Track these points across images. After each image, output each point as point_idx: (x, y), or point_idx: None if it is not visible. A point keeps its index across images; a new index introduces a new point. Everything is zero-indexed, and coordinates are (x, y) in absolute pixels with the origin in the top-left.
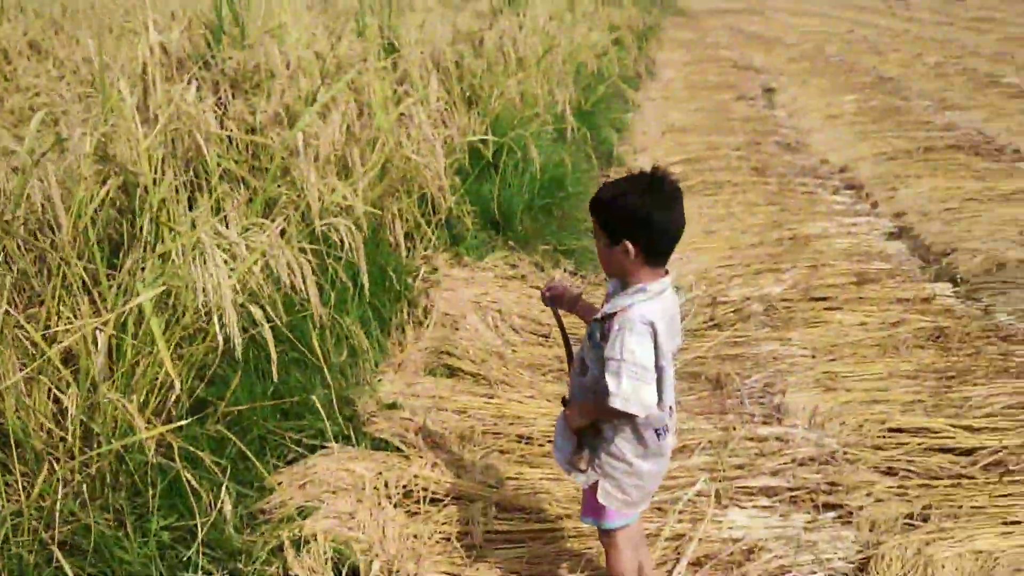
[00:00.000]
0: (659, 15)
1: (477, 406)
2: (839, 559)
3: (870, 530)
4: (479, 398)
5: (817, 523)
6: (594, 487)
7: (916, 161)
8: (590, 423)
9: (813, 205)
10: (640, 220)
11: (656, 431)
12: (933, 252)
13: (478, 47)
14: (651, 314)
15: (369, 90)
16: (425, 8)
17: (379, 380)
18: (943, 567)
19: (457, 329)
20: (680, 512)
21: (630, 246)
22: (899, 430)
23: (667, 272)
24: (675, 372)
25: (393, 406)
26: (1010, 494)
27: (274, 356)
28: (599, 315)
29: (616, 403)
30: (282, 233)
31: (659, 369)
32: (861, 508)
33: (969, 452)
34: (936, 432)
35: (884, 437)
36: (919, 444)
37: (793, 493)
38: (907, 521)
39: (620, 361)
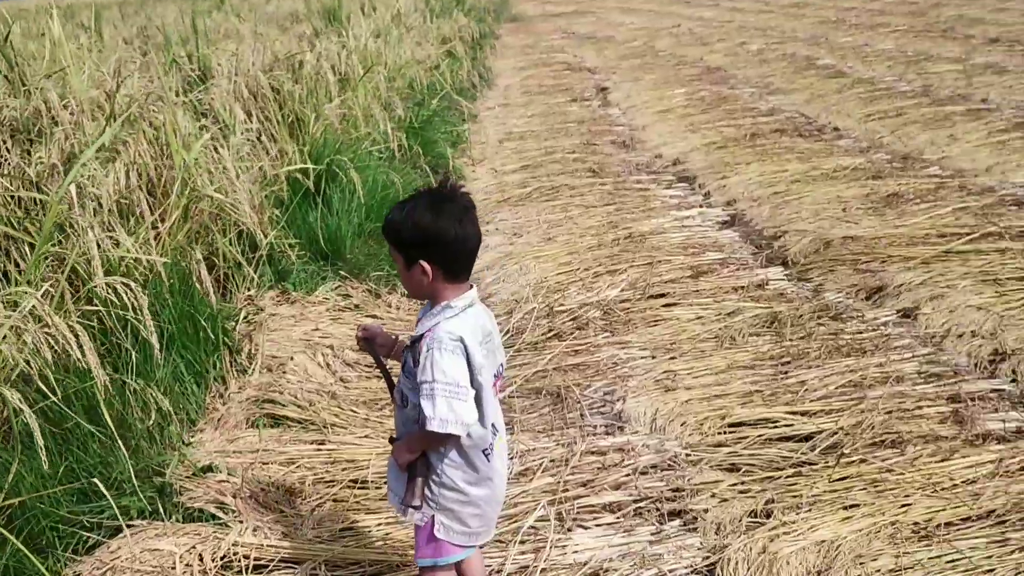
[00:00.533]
0: (492, 23)
1: (307, 454)
2: (685, 569)
3: (716, 533)
4: (309, 445)
5: (662, 534)
6: (430, 523)
7: (744, 148)
8: (418, 456)
9: (648, 202)
10: (432, 238)
11: (484, 452)
12: (764, 237)
13: (297, 71)
14: (459, 329)
15: (165, 128)
16: (240, 36)
17: (192, 441)
18: (788, 563)
19: (284, 372)
20: (522, 542)
21: (426, 266)
22: (739, 424)
23: (471, 286)
24: (516, 389)
25: (209, 469)
26: (847, 477)
27: (39, 440)
28: (408, 340)
29: (434, 426)
30: (61, 297)
31: (476, 386)
32: (706, 511)
33: (807, 438)
34: (774, 422)
35: (725, 433)
36: (759, 436)
37: (638, 505)
38: (751, 519)
39: (432, 383)
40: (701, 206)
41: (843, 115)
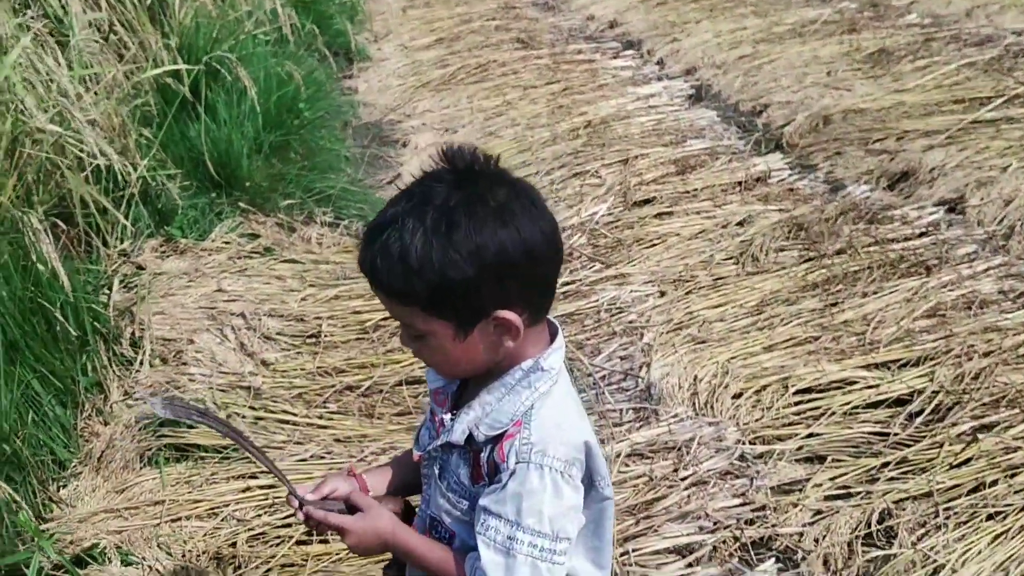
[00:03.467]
0: None
1: (233, 498)
2: None
3: (826, 572)
4: (235, 482)
5: None
6: None
7: (687, 3)
8: None
9: (596, 77)
10: (514, 265)
11: None
12: (744, 113)
13: None
14: (572, 426)
15: None
16: None
17: (54, 517)
18: None
19: (184, 363)
20: None
21: (511, 317)
22: (806, 389)
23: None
24: None
25: (90, 558)
26: (972, 460)
27: None
28: (459, 438)
29: None
30: None
31: (597, 509)
32: (800, 537)
33: (900, 402)
34: (852, 382)
35: (792, 406)
36: (840, 406)
37: (713, 537)
38: (866, 543)
39: (516, 528)
40: (660, 78)
41: None
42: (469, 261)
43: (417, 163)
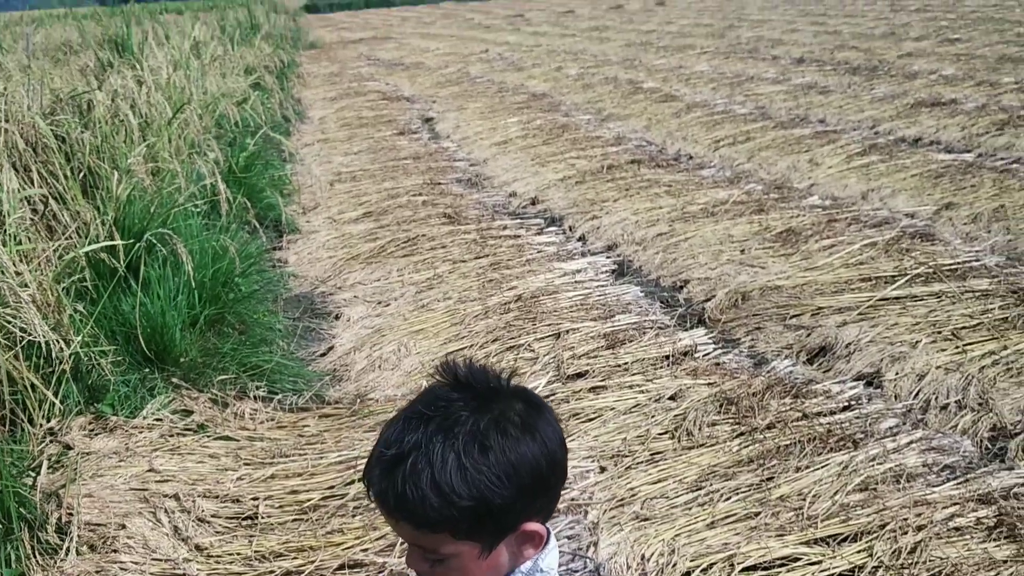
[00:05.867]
0: (292, 51)
1: None
2: None
3: None
4: None
5: None
6: None
7: (604, 182)
8: None
9: (523, 252)
10: (546, 476)
11: None
12: (666, 288)
13: (87, 113)
14: None
15: None
16: (6, 72)
17: None
18: None
19: (115, 550)
20: None
21: (538, 527)
22: (752, 568)
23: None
24: None
25: None
26: None
27: None
28: None
29: None
30: None
31: None
32: None
33: None
34: (795, 559)
35: None
36: None
37: None
38: None
39: None
40: (584, 254)
41: (691, 141)
42: (508, 482)
43: (349, 336)
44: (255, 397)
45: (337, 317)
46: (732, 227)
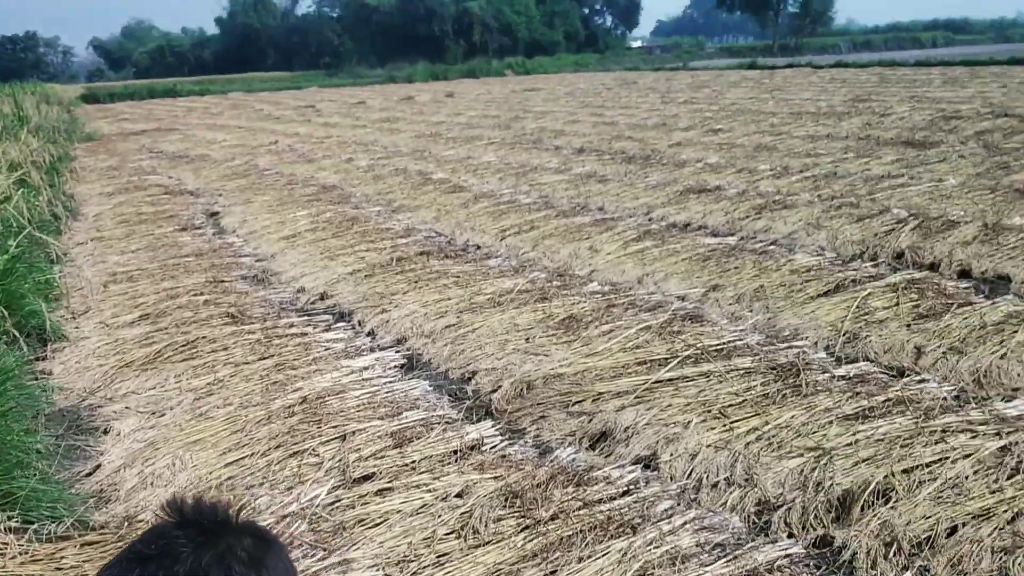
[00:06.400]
0: (66, 144)
1: None
2: None
3: None
4: None
5: None
6: None
7: (394, 274)
8: None
9: (309, 351)
10: None
11: None
12: (454, 381)
13: None
14: None
15: None
16: None
17: None
18: None
19: None
20: None
21: None
22: None
23: None
24: None
25: None
26: None
27: None
28: None
29: None
30: None
31: None
32: None
33: None
34: None
35: None
36: None
37: None
38: None
39: None
40: (372, 349)
41: (479, 231)
42: None
43: (119, 451)
44: (6, 529)
45: (106, 431)
46: (518, 316)
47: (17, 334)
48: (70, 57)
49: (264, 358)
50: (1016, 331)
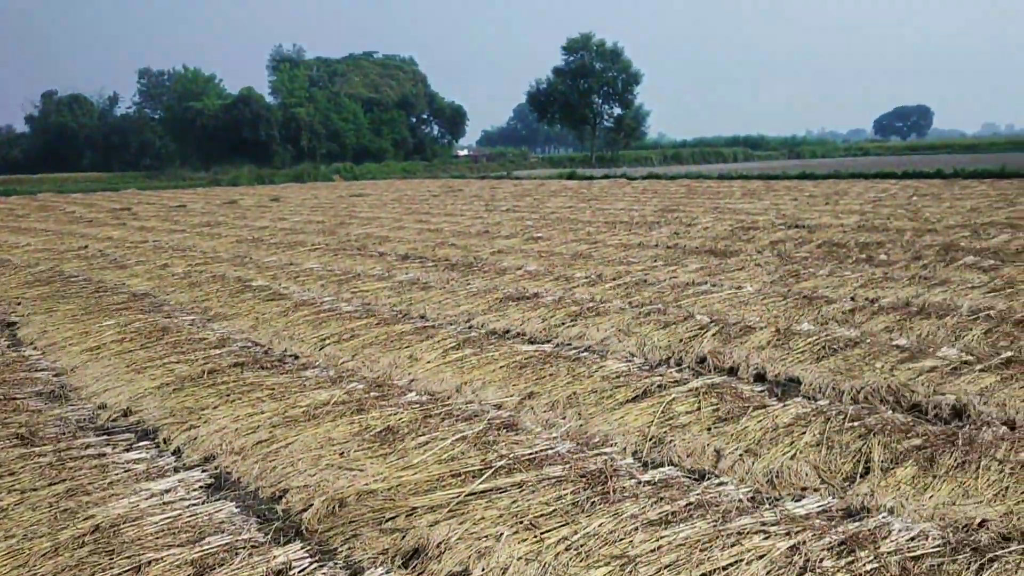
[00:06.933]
0: None
1: None
2: None
3: None
4: None
5: None
6: None
7: (205, 388)
8: None
9: (106, 474)
10: None
11: None
12: (263, 500)
13: None
14: None
15: None
16: None
17: None
18: None
19: None
20: None
21: None
22: None
23: None
24: None
25: None
26: None
27: None
28: None
29: None
30: None
31: None
32: None
33: None
34: None
35: None
36: None
37: None
38: None
39: None
40: (177, 470)
41: (297, 340)
42: None
43: None
44: None
45: None
46: (333, 429)
47: None
48: None
49: (55, 483)
50: (804, 432)
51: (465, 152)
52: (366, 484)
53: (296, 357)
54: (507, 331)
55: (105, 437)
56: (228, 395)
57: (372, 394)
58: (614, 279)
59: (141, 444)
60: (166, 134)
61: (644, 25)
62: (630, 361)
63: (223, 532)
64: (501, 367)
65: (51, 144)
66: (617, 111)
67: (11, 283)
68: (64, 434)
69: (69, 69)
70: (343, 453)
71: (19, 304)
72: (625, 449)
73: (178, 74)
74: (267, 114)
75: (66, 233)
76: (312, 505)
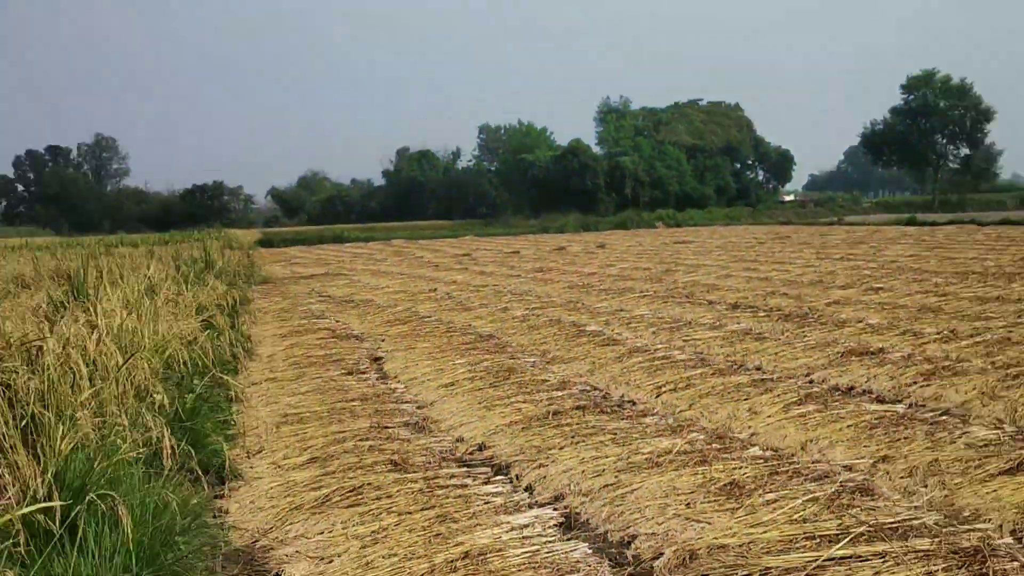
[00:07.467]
0: (244, 286)
1: None
2: None
3: None
4: None
5: None
6: None
7: (550, 428)
8: None
9: (469, 504)
10: None
11: None
12: (613, 544)
13: (36, 359)
14: None
15: None
16: None
17: None
18: None
19: None
20: None
21: None
22: None
23: None
24: None
25: None
26: None
27: None
28: None
29: None
30: None
31: None
32: None
33: None
34: None
35: None
36: None
37: None
38: None
39: None
40: (531, 506)
41: (634, 387)
42: None
43: None
44: None
45: (278, 575)
46: (677, 479)
47: (200, 473)
48: (250, 204)
49: (426, 508)
50: None
51: (791, 197)
52: (715, 538)
53: (634, 403)
54: (851, 387)
55: (465, 469)
56: (572, 436)
57: (714, 445)
58: (971, 335)
59: (497, 478)
60: (500, 184)
61: (997, 57)
62: (1000, 428)
63: (579, 572)
64: (848, 426)
65: (403, 195)
66: (964, 151)
67: (376, 321)
68: (431, 463)
69: (419, 126)
70: (689, 504)
71: (383, 341)
72: (1001, 527)
73: (513, 128)
74: (593, 164)
75: (417, 276)
76: (663, 554)
